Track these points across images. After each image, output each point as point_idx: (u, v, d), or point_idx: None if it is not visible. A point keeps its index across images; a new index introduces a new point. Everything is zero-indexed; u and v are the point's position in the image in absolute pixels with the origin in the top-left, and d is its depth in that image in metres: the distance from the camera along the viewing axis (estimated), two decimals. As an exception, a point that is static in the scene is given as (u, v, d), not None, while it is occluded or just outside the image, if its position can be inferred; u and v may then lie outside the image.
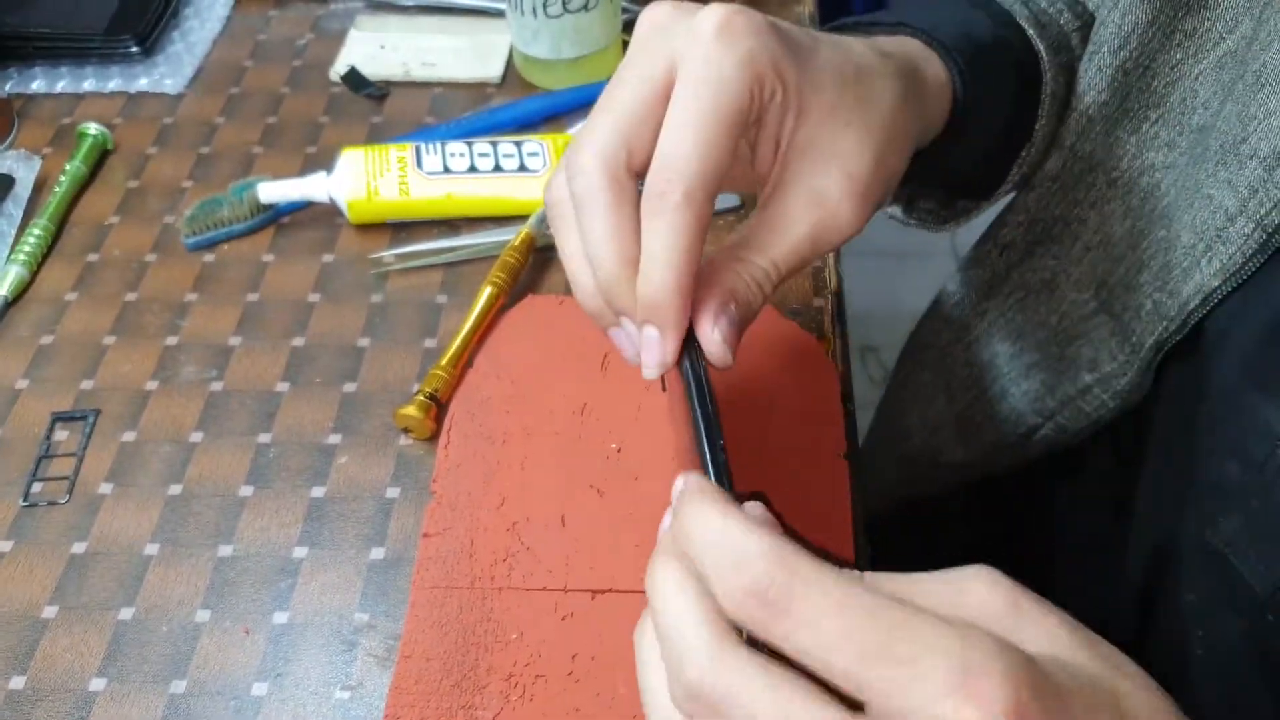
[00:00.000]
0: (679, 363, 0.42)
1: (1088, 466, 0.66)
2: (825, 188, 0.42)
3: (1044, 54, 0.57)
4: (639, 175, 0.41)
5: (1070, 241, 0.61)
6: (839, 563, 0.31)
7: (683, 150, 0.39)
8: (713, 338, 0.41)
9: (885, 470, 0.83)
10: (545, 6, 0.73)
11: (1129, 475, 0.60)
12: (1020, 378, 0.67)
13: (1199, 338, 0.53)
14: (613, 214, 0.40)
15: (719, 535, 0.30)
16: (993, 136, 0.58)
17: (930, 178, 0.59)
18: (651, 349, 0.41)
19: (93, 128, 0.74)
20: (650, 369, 0.42)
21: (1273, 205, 0.46)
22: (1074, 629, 0.30)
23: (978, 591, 0.30)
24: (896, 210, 0.65)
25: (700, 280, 0.41)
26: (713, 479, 0.37)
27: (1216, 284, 0.49)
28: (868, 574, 0.31)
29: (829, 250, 0.44)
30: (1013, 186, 0.61)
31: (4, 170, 0.72)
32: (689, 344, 0.42)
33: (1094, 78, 0.56)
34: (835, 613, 0.28)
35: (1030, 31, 0.58)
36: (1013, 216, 0.64)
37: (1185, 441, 0.53)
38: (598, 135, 0.41)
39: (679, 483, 0.35)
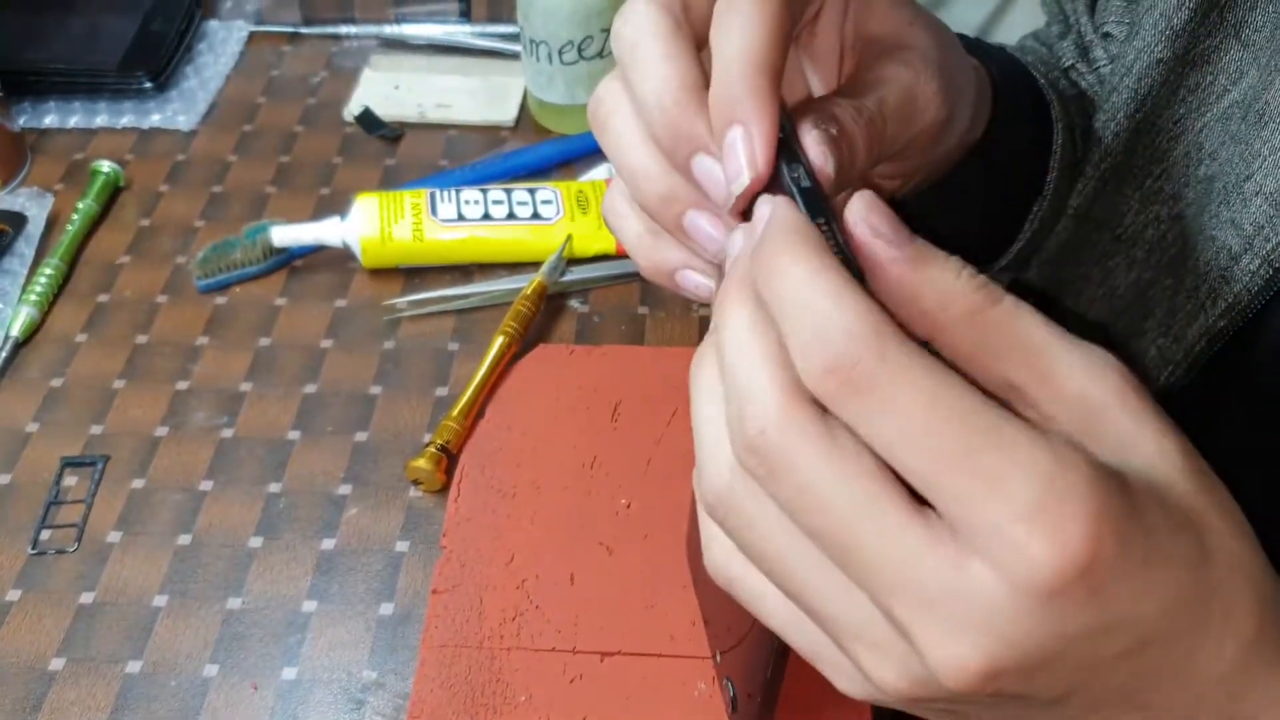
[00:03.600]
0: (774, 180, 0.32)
1: None
2: (909, 57, 0.39)
3: (1055, 104, 0.58)
4: (697, 36, 0.35)
5: (1074, 297, 0.61)
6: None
7: None
8: (811, 134, 0.34)
9: None
10: (560, 53, 0.73)
11: None
12: None
13: (1201, 370, 0.53)
14: (669, 43, 0.34)
15: (804, 297, 0.27)
16: (1019, 163, 0.57)
17: (972, 208, 0.58)
18: (735, 151, 0.32)
19: (105, 165, 0.74)
20: (740, 176, 0.32)
21: (1279, 241, 0.46)
22: (1185, 449, 0.28)
23: (1109, 376, 0.28)
24: None
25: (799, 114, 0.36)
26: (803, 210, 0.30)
27: (1223, 324, 0.50)
28: (1007, 299, 0.28)
29: (917, 129, 0.40)
30: (1024, 244, 0.61)
31: (16, 208, 0.72)
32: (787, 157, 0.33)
33: (1110, 143, 0.57)
34: (922, 408, 0.25)
35: (1041, 82, 0.59)
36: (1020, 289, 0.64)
37: None
38: None
39: (763, 207, 0.30)
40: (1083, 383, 0.28)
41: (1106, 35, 0.60)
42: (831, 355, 0.26)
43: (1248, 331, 0.50)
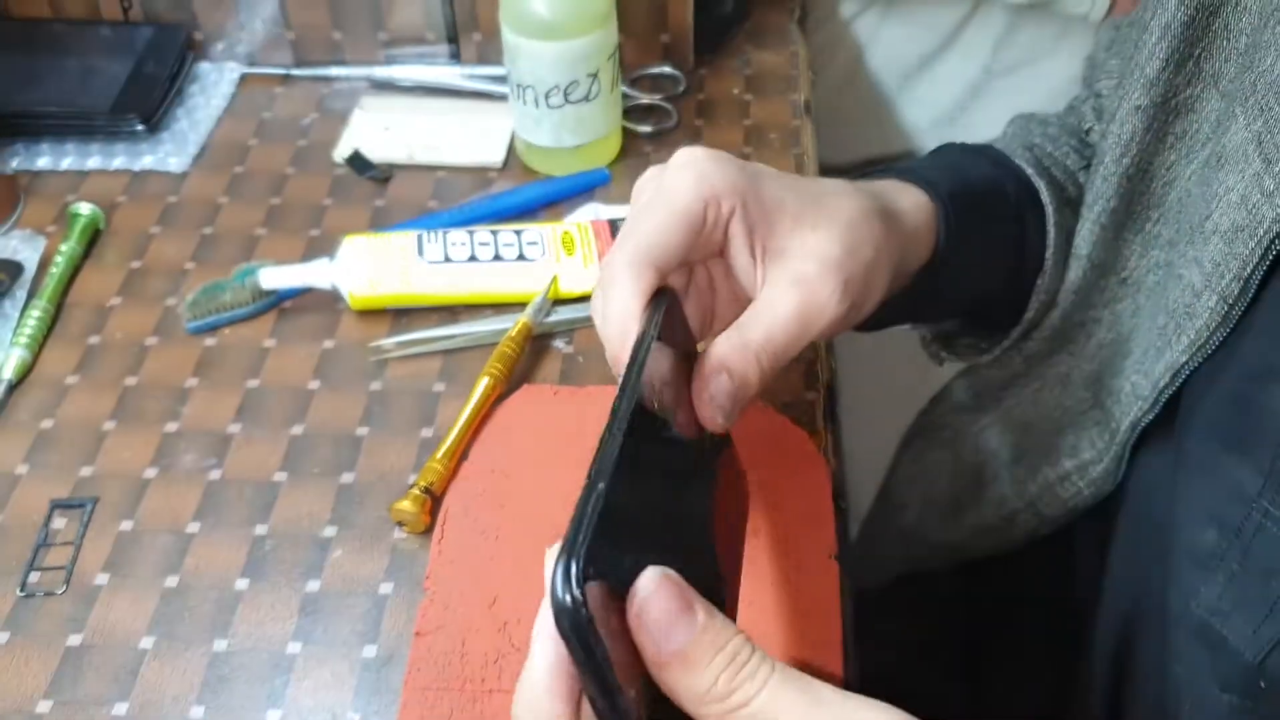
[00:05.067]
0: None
1: (1072, 549, 0.68)
2: (804, 270, 0.47)
3: (1043, 189, 0.61)
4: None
5: (1085, 340, 0.64)
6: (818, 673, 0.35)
7: (635, 237, 0.46)
8: (702, 399, 0.45)
9: (883, 543, 0.84)
10: (547, 97, 0.74)
11: (1106, 552, 0.61)
12: (1011, 462, 0.68)
13: (1170, 410, 0.55)
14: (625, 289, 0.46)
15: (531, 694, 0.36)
16: (1005, 260, 0.61)
17: (956, 304, 0.63)
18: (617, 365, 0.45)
19: (84, 208, 0.75)
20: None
21: (1232, 277, 0.48)
22: None
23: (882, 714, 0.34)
24: (939, 350, 0.70)
25: (700, 361, 0.46)
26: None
27: (1185, 359, 0.52)
28: (761, 694, 0.34)
29: (819, 331, 0.48)
30: (1039, 307, 0.63)
31: (10, 254, 0.73)
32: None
33: (1101, 187, 0.59)
34: None
35: (1029, 171, 0.61)
36: (1037, 331, 0.65)
37: (1160, 513, 0.55)
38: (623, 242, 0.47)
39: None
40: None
41: (1099, 95, 0.63)
42: None
43: (1212, 366, 0.51)
